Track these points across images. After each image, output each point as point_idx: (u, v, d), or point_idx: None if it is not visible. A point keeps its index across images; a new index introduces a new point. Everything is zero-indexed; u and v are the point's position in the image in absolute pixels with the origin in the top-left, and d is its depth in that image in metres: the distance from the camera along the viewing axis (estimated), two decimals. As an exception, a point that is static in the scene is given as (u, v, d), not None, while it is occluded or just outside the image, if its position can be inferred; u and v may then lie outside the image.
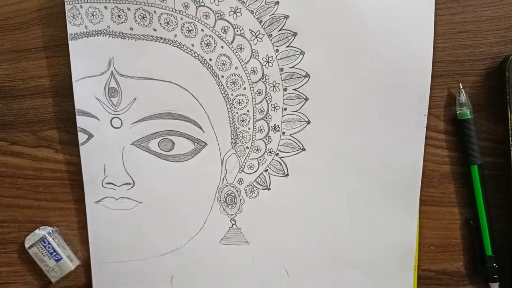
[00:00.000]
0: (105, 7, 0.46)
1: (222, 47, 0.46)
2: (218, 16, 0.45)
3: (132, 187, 0.50)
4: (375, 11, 0.44)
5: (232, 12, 0.45)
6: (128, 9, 0.46)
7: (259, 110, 0.48)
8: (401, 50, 0.45)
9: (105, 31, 0.47)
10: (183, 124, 0.48)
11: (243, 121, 0.48)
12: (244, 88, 0.47)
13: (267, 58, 0.46)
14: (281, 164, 0.48)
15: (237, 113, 0.48)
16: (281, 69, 0.46)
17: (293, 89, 0.47)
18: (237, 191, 0.49)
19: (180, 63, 0.47)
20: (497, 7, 0.46)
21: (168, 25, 0.46)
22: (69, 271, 0.52)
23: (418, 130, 0.46)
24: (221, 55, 0.46)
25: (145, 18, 0.46)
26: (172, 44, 0.46)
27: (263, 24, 0.45)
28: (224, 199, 0.50)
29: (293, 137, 0.48)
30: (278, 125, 0.48)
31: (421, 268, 0.50)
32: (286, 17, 0.45)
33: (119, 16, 0.46)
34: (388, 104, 0.46)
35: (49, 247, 0.52)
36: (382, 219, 0.48)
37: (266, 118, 0.48)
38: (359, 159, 0.47)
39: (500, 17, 0.46)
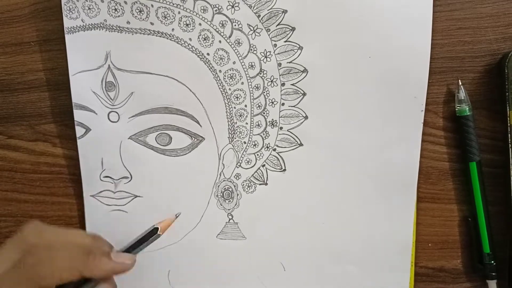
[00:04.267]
0: (102, 1, 0.46)
1: (219, 41, 0.46)
2: (216, 10, 0.45)
3: (129, 180, 0.50)
4: (373, 6, 0.44)
5: (230, 6, 0.45)
6: (125, 2, 0.46)
7: (257, 105, 0.47)
8: (399, 45, 0.45)
9: (101, 25, 0.47)
10: (180, 118, 0.48)
11: (240, 116, 0.48)
12: (242, 83, 0.47)
13: (265, 52, 0.46)
14: (278, 159, 0.48)
15: (234, 108, 0.48)
16: (279, 64, 0.46)
17: (291, 84, 0.47)
18: (234, 186, 0.49)
19: (177, 58, 0.47)
20: (497, 4, 0.45)
21: (166, 19, 0.46)
22: None
23: (415, 126, 0.46)
24: (218, 50, 0.46)
25: (142, 12, 0.46)
26: (170, 38, 0.46)
27: (261, 18, 0.45)
28: (221, 194, 0.49)
29: (291, 132, 0.47)
30: (276, 120, 0.48)
31: (419, 265, 0.50)
32: (284, 11, 0.45)
33: (115, 9, 0.46)
34: (386, 99, 0.46)
35: None
36: (379, 214, 0.48)
37: (264, 113, 0.47)
38: (356, 154, 0.47)
39: (500, 14, 0.46)
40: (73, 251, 0.43)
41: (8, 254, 0.42)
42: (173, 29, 0.46)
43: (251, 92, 0.47)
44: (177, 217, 0.50)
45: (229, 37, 0.46)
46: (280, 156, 0.48)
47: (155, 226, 0.49)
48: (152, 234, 0.48)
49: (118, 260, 0.44)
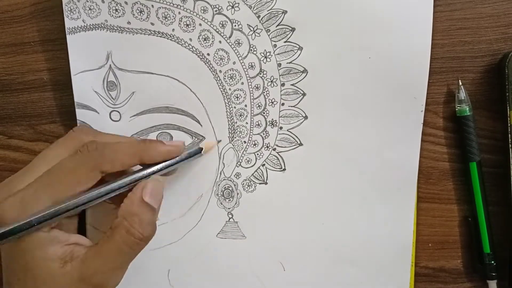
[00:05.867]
0: (102, 1, 0.46)
1: (220, 41, 0.46)
2: (216, 11, 0.45)
3: None
4: (373, 6, 0.44)
5: (230, 7, 0.45)
6: (126, 3, 0.46)
7: (257, 105, 0.48)
8: (399, 46, 0.45)
9: (102, 25, 0.47)
10: (181, 118, 0.48)
11: (240, 115, 0.48)
12: (242, 83, 0.47)
13: (265, 53, 0.46)
14: (278, 159, 0.48)
15: (234, 107, 0.48)
16: (279, 64, 0.46)
17: (291, 84, 0.47)
18: (235, 185, 0.49)
19: (178, 58, 0.47)
20: (497, 4, 0.45)
21: (166, 20, 0.46)
22: None
23: (415, 126, 0.46)
24: (219, 50, 0.46)
25: (143, 12, 0.46)
26: (170, 38, 0.46)
27: (261, 19, 0.45)
28: (222, 193, 0.50)
29: (291, 132, 0.48)
30: (276, 120, 0.48)
31: (419, 265, 0.50)
32: (284, 12, 0.45)
33: (116, 10, 0.46)
34: (386, 100, 0.46)
35: None
36: (379, 214, 0.48)
37: (264, 113, 0.48)
38: (355, 154, 0.47)
39: (500, 14, 0.46)
40: (130, 140, 0.47)
41: (68, 142, 0.44)
42: (173, 30, 0.46)
43: (251, 92, 0.47)
44: (218, 142, 0.49)
45: (229, 37, 0.46)
46: (280, 156, 0.48)
47: (200, 147, 0.47)
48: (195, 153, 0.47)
49: (171, 143, 0.45)
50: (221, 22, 0.46)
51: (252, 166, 0.49)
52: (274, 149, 0.48)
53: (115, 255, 0.40)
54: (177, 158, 0.45)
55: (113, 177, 0.42)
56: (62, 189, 0.40)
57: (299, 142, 0.48)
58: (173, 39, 0.46)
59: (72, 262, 0.39)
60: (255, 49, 0.46)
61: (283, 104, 0.47)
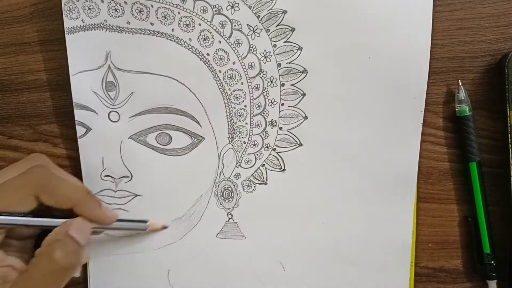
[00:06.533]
0: (102, 1, 0.46)
1: (219, 41, 0.46)
2: (215, 11, 0.45)
3: (130, 180, 0.50)
4: (373, 6, 0.44)
5: (230, 7, 0.45)
6: (125, 2, 0.46)
7: (257, 105, 0.48)
8: (399, 46, 0.45)
9: (102, 25, 0.47)
10: (180, 118, 0.48)
11: (240, 116, 0.48)
12: (242, 83, 0.47)
13: (264, 53, 0.46)
14: (278, 159, 0.48)
15: (234, 108, 0.48)
16: (279, 64, 0.46)
17: (291, 85, 0.47)
18: (234, 185, 0.49)
19: (177, 58, 0.47)
20: (497, 4, 0.45)
21: (165, 19, 0.46)
22: None
23: (415, 126, 0.46)
24: (218, 50, 0.46)
25: (142, 12, 0.46)
26: (170, 38, 0.46)
27: (261, 19, 0.45)
28: (221, 193, 0.50)
29: (290, 132, 0.48)
30: (275, 120, 0.48)
31: (419, 265, 0.50)
32: (284, 12, 0.45)
33: (115, 10, 0.46)
34: (385, 100, 0.46)
35: None
36: (379, 214, 0.48)
37: (263, 113, 0.48)
38: (355, 154, 0.47)
39: (500, 14, 0.46)
40: (78, 185, 0.47)
41: (21, 165, 0.44)
42: (173, 29, 0.46)
43: (251, 92, 0.47)
44: (164, 228, 0.51)
45: (229, 37, 0.46)
46: (280, 156, 0.48)
47: (147, 221, 0.50)
48: (140, 223, 0.50)
49: (106, 211, 0.46)
50: (221, 22, 0.46)
51: (251, 166, 0.49)
52: (274, 150, 0.48)
53: (40, 283, 0.40)
54: (116, 226, 0.47)
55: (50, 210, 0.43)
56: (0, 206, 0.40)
57: (298, 142, 0.48)
58: (172, 39, 0.46)
59: (5, 285, 0.40)
60: (255, 49, 0.46)
61: (282, 104, 0.47)
